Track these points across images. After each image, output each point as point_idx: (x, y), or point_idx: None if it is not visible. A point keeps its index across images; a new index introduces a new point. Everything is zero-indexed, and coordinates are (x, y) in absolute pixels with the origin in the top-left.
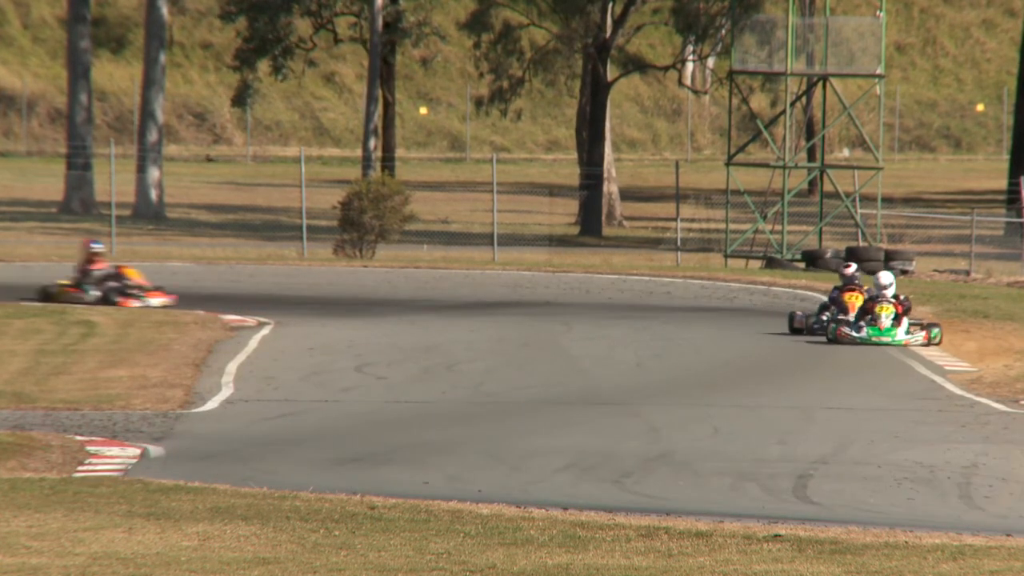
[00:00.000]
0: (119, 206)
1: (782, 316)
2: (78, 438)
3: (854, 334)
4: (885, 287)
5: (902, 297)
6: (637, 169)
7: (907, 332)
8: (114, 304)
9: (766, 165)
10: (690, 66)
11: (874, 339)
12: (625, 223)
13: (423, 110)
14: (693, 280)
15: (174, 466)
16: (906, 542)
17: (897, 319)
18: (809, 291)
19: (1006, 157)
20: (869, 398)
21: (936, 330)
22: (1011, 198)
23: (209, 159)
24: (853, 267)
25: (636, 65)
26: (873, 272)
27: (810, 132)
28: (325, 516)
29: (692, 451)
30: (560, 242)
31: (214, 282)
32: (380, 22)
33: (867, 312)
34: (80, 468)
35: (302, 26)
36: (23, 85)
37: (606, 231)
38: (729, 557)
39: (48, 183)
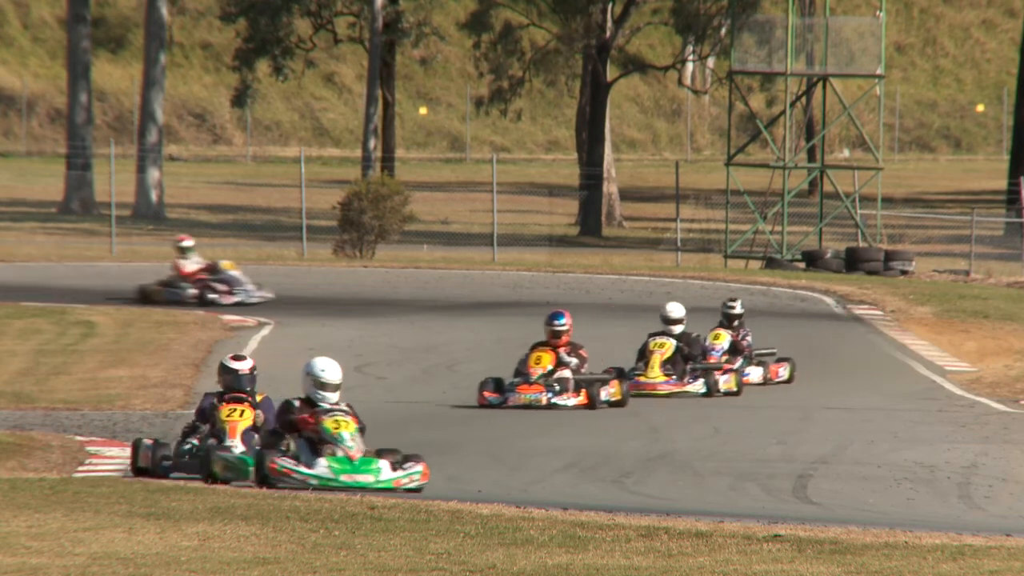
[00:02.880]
0: (119, 206)
1: (782, 316)
2: (78, 438)
3: (295, 473)
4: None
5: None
6: (637, 169)
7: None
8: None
9: (766, 165)
10: (690, 66)
11: (343, 477)
12: (625, 223)
13: (423, 110)
14: (693, 280)
15: None
16: (906, 542)
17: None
18: (809, 291)
19: (1006, 157)
20: (869, 398)
21: (414, 472)
22: (1011, 198)
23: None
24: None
25: (636, 65)
26: (873, 273)
27: (810, 132)
28: (325, 516)
29: (692, 451)
30: (560, 242)
31: None
32: (380, 22)
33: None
34: (80, 468)
35: (302, 26)
36: (23, 85)
37: (606, 231)
38: (729, 557)
39: (48, 183)
